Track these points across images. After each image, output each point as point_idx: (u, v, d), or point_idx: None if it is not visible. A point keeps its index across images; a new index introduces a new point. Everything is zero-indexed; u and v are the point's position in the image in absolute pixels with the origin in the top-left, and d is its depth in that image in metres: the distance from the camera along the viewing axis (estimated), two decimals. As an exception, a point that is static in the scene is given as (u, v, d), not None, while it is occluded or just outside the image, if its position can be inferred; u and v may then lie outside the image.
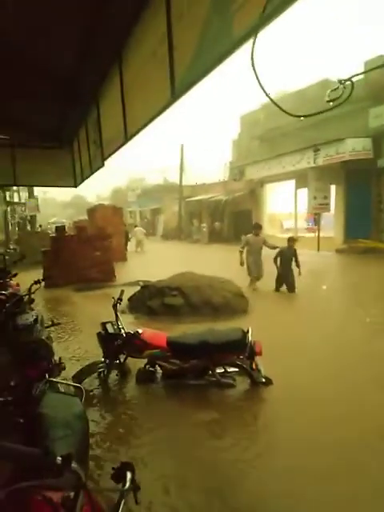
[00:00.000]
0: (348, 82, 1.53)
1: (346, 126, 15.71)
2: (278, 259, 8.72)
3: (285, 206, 21.20)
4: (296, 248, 8.86)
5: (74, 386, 3.16)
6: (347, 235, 16.53)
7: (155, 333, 4.38)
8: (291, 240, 8.95)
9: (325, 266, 12.88)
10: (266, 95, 1.57)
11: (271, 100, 1.58)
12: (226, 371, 4.15)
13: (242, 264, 9.18)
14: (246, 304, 7.48)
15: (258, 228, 9.39)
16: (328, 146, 15.84)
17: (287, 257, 8.69)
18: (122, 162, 29.02)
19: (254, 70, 1.54)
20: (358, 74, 1.50)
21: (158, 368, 4.27)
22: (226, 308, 7.03)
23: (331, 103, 1.56)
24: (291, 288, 8.70)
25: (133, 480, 1.54)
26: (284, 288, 8.81)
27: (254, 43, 1.49)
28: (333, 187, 17.11)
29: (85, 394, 2.73)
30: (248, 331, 4.09)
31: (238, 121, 25.00)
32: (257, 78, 1.62)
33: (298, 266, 8.70)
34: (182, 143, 30.07)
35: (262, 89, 1.54)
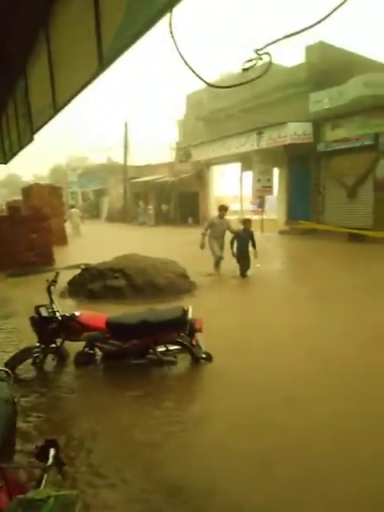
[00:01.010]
0: (265, 55, 1.53)
1: (288, 110, 16.15)
2: (235, 242, 8.58)
3: (231, 189, 21.54)
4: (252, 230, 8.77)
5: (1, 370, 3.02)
6: (289, 217, 17.21)
7: (93, 315, 4.31)
8: (247, 222, 8.84)
9: (270, 246, 13.34)
10: (185, 63, 1.53)
11: (188, 66, 1.55)
12: (167, 349, 4.19)
13: (202, 247, 8.79)
14: (191, 285, 7.59)
15: (222, 210, 8.83)
16: (271, 129, 16.21)
17: (244, 239, 8.59)
18: (62, 140, 27.59)
19: (172, 38, 1.50)
20: (270, 44, 1.51)
21: (98, 350, 4.21)
22: (170, 289, 7.07)
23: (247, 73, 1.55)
24: (244, 271, 8.60)
25: (56, 456, 1.53)
26: (248, 272, 8.63)
27: (171, 13, 1.45)
28: (276, 170, 17.65)
29: (14, 378, 2.62)
30: (188, 309, 4.15)
31: (184, 100, 24.72)
32: (177, 48, 1.59)
33: (254, 247, 8.59)
34: (125, 121, 29.00)
35: (181, 56, 1.51)
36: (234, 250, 8.57)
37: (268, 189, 17.11)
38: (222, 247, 8.81)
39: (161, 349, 4.13)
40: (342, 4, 1.28)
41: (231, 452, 2.73)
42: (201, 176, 22.39)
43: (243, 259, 8.57)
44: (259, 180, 16.94)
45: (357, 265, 9.79)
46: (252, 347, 4.65)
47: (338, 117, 14.87)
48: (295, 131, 15.63)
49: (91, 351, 4.20)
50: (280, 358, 4.30)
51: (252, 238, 8.62)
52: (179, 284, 7.30)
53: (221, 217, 8.82)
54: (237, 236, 8.61)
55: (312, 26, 1.38)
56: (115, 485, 2.45)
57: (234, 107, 19.03)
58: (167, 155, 26.69)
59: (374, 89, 12.99)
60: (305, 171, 16.45)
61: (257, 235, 9.10)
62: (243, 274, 8.57)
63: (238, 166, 19.98)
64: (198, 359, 4.15)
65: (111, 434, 3.03)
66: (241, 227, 8.84)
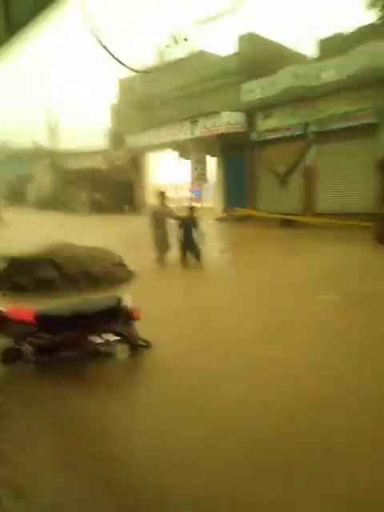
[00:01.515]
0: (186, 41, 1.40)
1: (221, 99, 16.30)
2: (181, 230, 8.42)
3: (168, 177, 21.35)
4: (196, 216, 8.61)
5: None
6: (226, 205, 17.52)
7: (19, 308, 3.97)
8: (191, 209, 8.68)
9: (209, 233, 13.43)
10: (103, 47, 1.35)
11: (107, 50, 1.36)
12: (103, 339, 3.99)
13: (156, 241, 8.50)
14: (128, 273, 7.35)
15: (161, 196, 8.58)
16: (205, 118, 16.25)
17: (189, 226, 8.44)
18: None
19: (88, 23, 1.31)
20: (188, 29, 1.38)
21: (28, 345, 3.87)
22: (105, 279, 6.76)
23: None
24: (198, 256, 8.38)
25: None
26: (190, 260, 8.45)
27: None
28: (212, 159, 17.80)
29: None
30: (124, 298, 3.99)
31: (116, 84, 23.83)
32: (93, 33, 1.40)
33: (200, 234, 8.45)
34: (49, 104, 27.28)
35: (99, 41, 1.32)
36: (180, 236, 8.44)
37: (204, 177, 17.26)
38: (165, 235, 8.52)
39: (97, 340, 3.93)
40: None
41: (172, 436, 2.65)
42: (136, 163, 21.88)
43: (190, 245, 8.40)
44: (195, 168, 17.00)
45: (288, 247, 10.27)
46: (191, 333, 4.61)
47: (269, 107, 15.33)
48: (228, 120, 15.84)
49: (19, 347, 3.85)
50: (218, 342, 4.31)
51: (197, 225, 8.48)
52: (116, 273, 7.03)
53: (161, 204, 8.55)
54: (182, 223, 8.45)
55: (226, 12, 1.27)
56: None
57: (168, 94, 18.77)
58: (100, 141, 25.66)
59: (302, 80, 13.56)
60: (239, 160, 16.81)
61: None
62: (198, 259, 8.35)
63: (173, 153, 19.82)
64: (137, 347, 4.03)
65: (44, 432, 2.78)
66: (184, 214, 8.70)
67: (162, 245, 8.51)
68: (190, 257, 8.43)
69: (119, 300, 3.94)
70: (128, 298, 4.03)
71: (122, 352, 4.00)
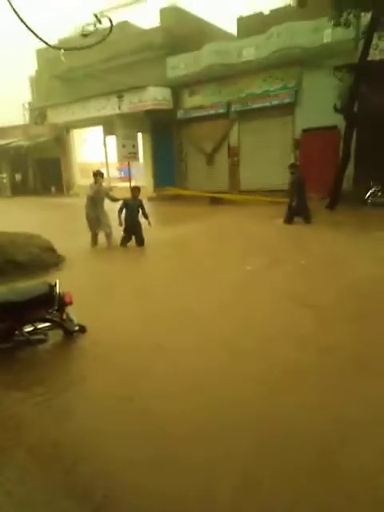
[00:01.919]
0: (105, 19, 1.50)
1: (147, 74, 15.98)
2: (123, 211, 8.14)
3: (95, 155, 20.60)
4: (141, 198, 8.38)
5: None
6: (156, 184, 17.50)
7: None
8: (136, 190, 8.37)
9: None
10: (24, 24, 1.40)
11: (28, 27, 1.42)
12: (35, 328, 3.97)
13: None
14: (58, 259, 7.20)
15: (98, 175, 8.13)
16: (131, 92, 15.87)
17: (133, 208, 8.18)
18: None
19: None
20: (107, 9, 1.49)
21: None
22: (33, 265, 6.58)
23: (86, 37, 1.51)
24: (140, 242, 8.25)
25: None
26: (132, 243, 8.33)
27: None
28: (140, 136, 17.51)
29: None
30: (55, 284, 3.97)
31: (34, 55, 22.04)
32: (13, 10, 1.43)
33: (146, 217, 8.24)
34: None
35: (19, 18, 1.37)
36: (122, 219, 8.18)
37: (133, 155, 16.95)
38: (101, 217, 8.15)
39: (28, 328, 3.91)
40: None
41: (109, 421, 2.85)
42: (60, 140, 20.76)
43: (134, 229, 8.21)
44: (124, 145, 16.58)
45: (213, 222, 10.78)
46: (121, 315, 4.78)
47: (194, 84, 15.42)
48: (155, 96, 15.65)
49: None
50: (144, 313, 4.55)
51: (142, 207, 8.27)
52: (45, 259, 6.85)
53: (97, 184, 8.16)
54: (125, 205, 8.16)
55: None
56: None
57: (92, 66, 17.87)
58: (19, 116, 23.78)
59: (224, 57, 13.79)
60: (168, 138, 16.80)
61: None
62: (140, 243, 8.24)
63: (100, 130, 19.13)
64: (71, 333, 4.07)
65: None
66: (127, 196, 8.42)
67: (97, 227, 8.24)
68: (137, 239, 8.27)
69: (52, 287, 3.91)
70: (57, 282, 4.01)
71: (54, 338, 4.03)
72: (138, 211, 8.26)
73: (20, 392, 3.22)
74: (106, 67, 17.35)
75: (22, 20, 1.17)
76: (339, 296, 5.03)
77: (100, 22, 1.32)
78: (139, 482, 2.24)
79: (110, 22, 1.31)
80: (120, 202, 8.27)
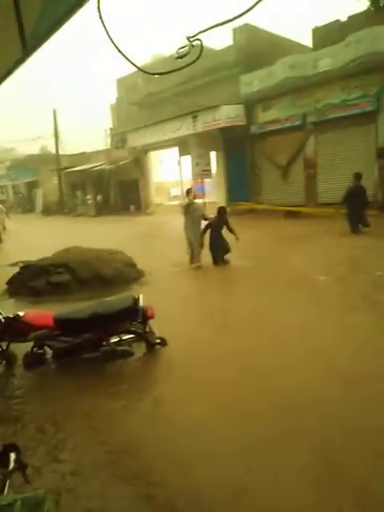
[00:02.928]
0: (197, 42, 1.56)
1: (220, 93, 16.34)
2: (209, 231, 8.05)
3: (170, 174, 21.47)
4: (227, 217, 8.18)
5: None
6: (229, 199, 17.58)
7: (39, 313, 4.15)
8: (222, 210, 8.24)
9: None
10: (115, 47, 1.52)
11: (118, 50, 1.53)
12: (121, 339, 4.16)
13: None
14: (139, 274, 7.53)
15: (192, 193, 8.01)
16: (205, 112, 16.32)
17: (217, 227, 8.05)
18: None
19: (101, 21, 1.48)
20: (201, 32, 1.53)
21: (48, 349, 4.07)
22: (117, 279, 6.97)
23: (180, 60, 1.57)
24: (220, 259, 8.09)
25: (18, 460, 1.50)
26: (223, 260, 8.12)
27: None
28: (213, 154, 17.87)
29: None
30: (138, 298, 4.14)
31: (115, 84, 23.94)
32: (106, 31, 1.56)
33: (232, 232, 8.04)
34: (54, 108, 27.47)
35: (111, 39, 1.49)
36: (204, 240, 8.06)
37: (207, 172, 17.30)
38: (199, 234, 7.94)
39: (114, 339, 4.11)
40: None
41: (194, 428, 2.84)
42: (139, 162, 22.03)
43: (217, 248, 8.06)
44: (198, 164, 17.04)
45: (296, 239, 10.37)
46: (199, 328, 4.80)
47: (267, 98, 15.36)
48: (228, 114, 15.89)
49: (40, 351, 4.06)
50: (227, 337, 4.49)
51: (227, 224, 8.11)
52: (127, 274, 7.23)
53: (192, 201, 7.91)
54: (209, 225, 8.05)
55: (243, 14, 1.42)
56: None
57: (167, 91, 18.84)
58: (102, 142, 25.89)
59: (299, 70, 13.54)
60: (241, 153, 16.87)
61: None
62: (217, 263, 8.07)
63: (175, 150, 19.93)
64: (153, 345, 4.19)
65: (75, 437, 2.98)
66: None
67: (195, 244, 7.96)
68: (217, 257, 8.10)
69: (135, 300, 4.08)
70: (141, 297, 4.18)
71: (138, 350, 4.18)
72: (222, 228, 8.13)
73: (108, 399, 3.37)
74: (180, 90, 18.14)
75: (116, 47, 1.28)
76: None
77: (193, 45, 1.38)
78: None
79: (201, 45, 1.36)
80: (206, 223, 8.15)
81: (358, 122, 13.04)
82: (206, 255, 8.12)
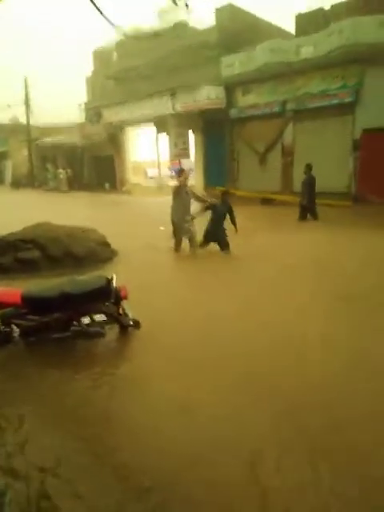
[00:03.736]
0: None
1: (201, 73, 15.99)
2: (205, 213, 7.49)
3: (147, 153, 21.03)
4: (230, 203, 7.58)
5: None
6: (207, 183, 17.47)
7: (6, 290, 3.97)
8: (226, 194, 7.69)
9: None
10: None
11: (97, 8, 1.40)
12: (92, 320, 4.06)
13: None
14: (113, 253, 7.36)
15: (183, 175, 7.32)
16: (185, 91, 15.96)
17: (221, 213, 7.41)
18: None
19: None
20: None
21: (15, 327, 3.91)
22: (89, 258, 6.79)
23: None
24: (225, 247, 7.41)
25: None
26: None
27: None
28: (193, 135, 17.59)
29: None
30: (112, 278, 4.03)
31: (91, 56, 22.94)
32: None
33: (234, 223, 7.42)
34: (25, 76, 26.08)
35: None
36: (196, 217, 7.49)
37: (184, 152, 17.06)
38: (187, 221, 7.33)
39: (85, 320, 4.00)
40: None
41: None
42: (114, 139, 21.40)
43: (218, 235, 7.43)
44: (176, 144, 16.78)
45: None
46: (172, 308, 4.76)
47: (248, 82, 15.19)
48: (209, 95, 15.61)
49: (7, 329, 3.89)
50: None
51: (231, 212, 7.41)
52: (100, 252, 7.04)
53: (184, 184, 7.27)
54: (211, 208, 7.42)
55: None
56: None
57: (146, 66, 18.24)
58: (76, 115, 24.84)
59: (280, 56, 13.42)
60: (220, 137, 16.69)
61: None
62: (224, 250, 7.43)
63: (153, 128, 19.47)
64: (126, 327, 4.12)
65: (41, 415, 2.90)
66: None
67: (183, 232, 7.39)
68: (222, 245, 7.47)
69: (108, 280, 3.97)
70: (114, 277, 4.07)
71: (111, 331, 4.09)
72: (225, 216, 7.50)
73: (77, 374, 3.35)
74: (159, 67, 17.61)
75: (95, 5, 1.15)
76: None
77: (176, 4, 1.28)
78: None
79: (186, 5, 1.27)
80: (205, 204, 7.56)
81: (336, 113, 13.18)
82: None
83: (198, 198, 7.68)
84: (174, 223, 7.41)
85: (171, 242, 7.54)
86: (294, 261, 6.66)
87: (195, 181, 18.20)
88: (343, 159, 12.93)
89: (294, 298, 5.03)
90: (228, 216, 7.51)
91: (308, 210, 10.43)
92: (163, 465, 2.32)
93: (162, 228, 8.49)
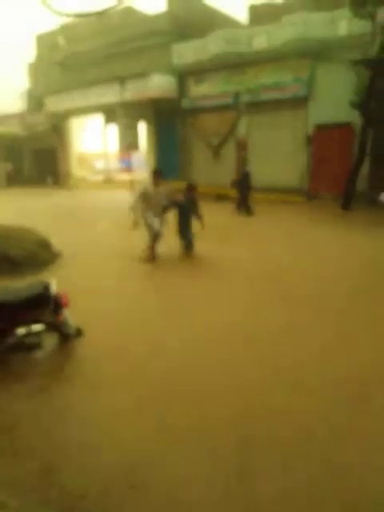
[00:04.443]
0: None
1: (152, 61, 15.39)
2: (176, 213, 6.86)
3: (94, 144, 20.04)
4: (196, 197, 6.91)
5: None
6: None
7: None
8: (191, 188, 6.94)
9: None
10: None
11: None
12: (30, 330, 3.53)
13: (135, 226, 6.39)
14: (54, 256, 6.64)
15: (158, 175, 6.53)
16: (134, 79, 15.27)
17: (185, 209, 6.80)
18: None
19: None
20: None
21: None
22: (28, 262, 6.04)
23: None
24: (188, 247, 6.84)
25: None
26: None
27: None
28: (143, 126, 16.91)
29: None
30: (50, 284, 3.53)
31: (34, 41, 21.36)
32: None
33: (199, 218, 6.82)
34: None
35: None
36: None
37: (134, 143, 16.35)
38: (161, 222, 6.60)
39: (21, 330, 3.46)
40: None
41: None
42: (58, 129, 20.12)
43: (185, 232, 6.83)
44: (126, 135, 16.03)
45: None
46: (123, 319, 4.32)
47: (200, 72, 14.81)
48: (159, 84, 15.05)
49: None
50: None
51: (196, 207, 6.81)
52: (40, 255, 6.31)
53: (156, 184, 6.49)
54: (179, 207, 6.79)
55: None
56: None
57: (94, 52, 17.27)
58: (16, 104, 23.02)
59: (233, 46, 13.20)
60: (172, 128, 16.20)
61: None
62: (189, 249, 6.85)
63: (101, 118, 18.52)
64: (67, 336, 3.64)
65: None
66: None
67: (155, 234, 6.51)
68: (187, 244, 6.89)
69: (46, 286, 3.48)
70: (54, 282, 3.59)
71: (50, 342, 3.59)
72: (190, 212, 6.86)
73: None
74: (108, 53, 16.74)
75: None
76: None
77: None
78: None
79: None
80: (167, 203, 6.79)
81: (289, 107, 13.20)
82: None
83: (172, 201, 6.80)
84: (151, 231, 6.47)
85: (144, 253, 6.54)
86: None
87: (147, 173, 17.61)
88: (297, 155, 13.01)
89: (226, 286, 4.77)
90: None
91: (242, 206, 10.83)
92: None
93: (101, 225, 7.92)
